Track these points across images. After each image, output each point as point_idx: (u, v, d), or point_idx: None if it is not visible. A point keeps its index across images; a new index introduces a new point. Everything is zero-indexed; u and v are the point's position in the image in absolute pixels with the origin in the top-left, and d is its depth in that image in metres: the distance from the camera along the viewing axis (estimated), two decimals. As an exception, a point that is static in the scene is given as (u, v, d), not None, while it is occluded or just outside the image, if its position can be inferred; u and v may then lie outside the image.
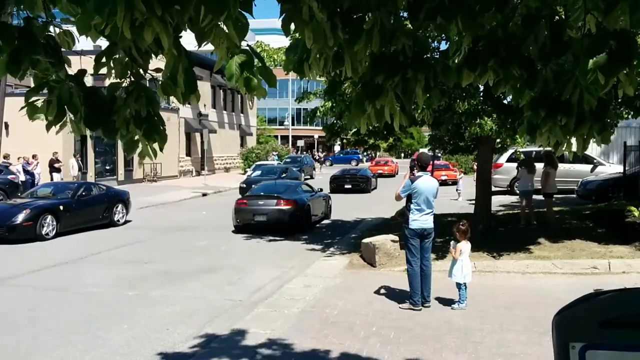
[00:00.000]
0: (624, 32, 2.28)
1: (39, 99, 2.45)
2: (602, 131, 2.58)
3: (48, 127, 2.49)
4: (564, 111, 2.52)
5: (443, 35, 7.58)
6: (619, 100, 8.93)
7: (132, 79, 2.44)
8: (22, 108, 2.45)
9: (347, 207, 18.81)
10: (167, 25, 2.09)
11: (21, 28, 2.30)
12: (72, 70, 2.51)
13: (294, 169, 29.97)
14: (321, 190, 17.07)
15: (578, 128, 2.55)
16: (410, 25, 2.58)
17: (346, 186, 25.82)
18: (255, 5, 2.24)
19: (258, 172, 26.65)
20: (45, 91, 2.46)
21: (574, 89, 2.44)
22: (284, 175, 25.40)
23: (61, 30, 2.50)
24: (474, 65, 2.60)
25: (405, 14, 2.71)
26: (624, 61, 2.24)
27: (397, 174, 38.20)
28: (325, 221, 16.46)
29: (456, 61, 2.69)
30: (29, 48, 2.28)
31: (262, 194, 14.93)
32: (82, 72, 2.50)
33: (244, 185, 23.36)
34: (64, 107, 2.42)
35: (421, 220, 7.12)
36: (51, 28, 2.45)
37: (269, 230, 13.95)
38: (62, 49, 2.49)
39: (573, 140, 2.69)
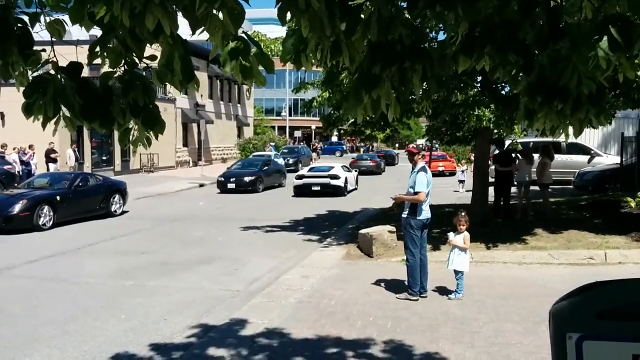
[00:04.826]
0: (623, 16, 2.25)
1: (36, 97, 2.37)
2: (599, 114, 2.57)
3: (44, 124, 2.42)
4: (560, 96, 2.51)
5: (441, 25, 7.54)
6: (617, 90, 8.90)
7: (127, 68, 2.40)
8: (23, 107, 2.38)
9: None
10: (170, 11, 2.06)
11: None
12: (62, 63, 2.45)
13: (290, 160, 34.70)
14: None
15: (575, 112, 2.54)
16: (407, 15, 2.55)
17: None
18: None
19: (239, 165, 26.12)
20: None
21: (572, 74, 2.42)
22: (265, 167, 24.86)
23: (51, 19, 2.45)
24: (471, 51, 2.58)
25: (403, 4, 2.68)
26: (625, 46, 2.21)
27: None
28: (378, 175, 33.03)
29: (453, 48, 2.67)
30: (1, 37, 2.22)
31: (362, 158, 36.33)
32: (74, 64, 2.44)
33: (222, 179, 23.01)
34: (58, 101, 2.37)
35: (427, 210, 7.19)
36: (41, 17, 2.40)
37: (365, 173, 31.05)
38: (54, 39, 2.44)
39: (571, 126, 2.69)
